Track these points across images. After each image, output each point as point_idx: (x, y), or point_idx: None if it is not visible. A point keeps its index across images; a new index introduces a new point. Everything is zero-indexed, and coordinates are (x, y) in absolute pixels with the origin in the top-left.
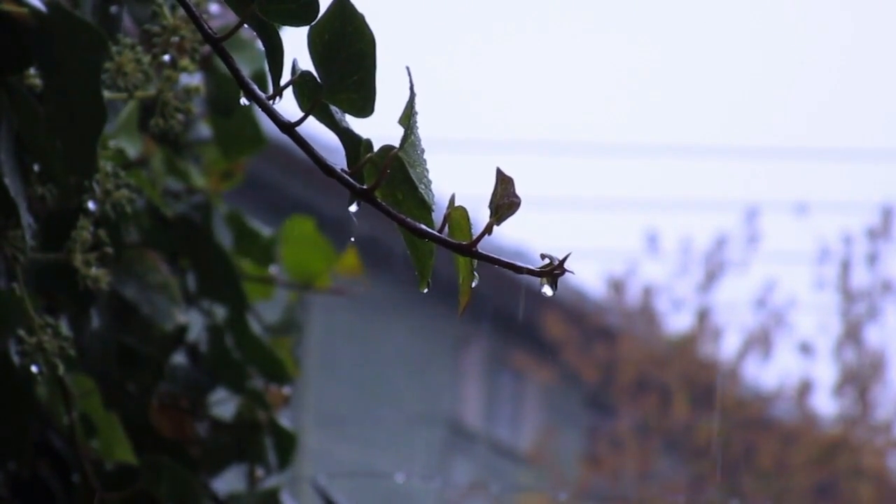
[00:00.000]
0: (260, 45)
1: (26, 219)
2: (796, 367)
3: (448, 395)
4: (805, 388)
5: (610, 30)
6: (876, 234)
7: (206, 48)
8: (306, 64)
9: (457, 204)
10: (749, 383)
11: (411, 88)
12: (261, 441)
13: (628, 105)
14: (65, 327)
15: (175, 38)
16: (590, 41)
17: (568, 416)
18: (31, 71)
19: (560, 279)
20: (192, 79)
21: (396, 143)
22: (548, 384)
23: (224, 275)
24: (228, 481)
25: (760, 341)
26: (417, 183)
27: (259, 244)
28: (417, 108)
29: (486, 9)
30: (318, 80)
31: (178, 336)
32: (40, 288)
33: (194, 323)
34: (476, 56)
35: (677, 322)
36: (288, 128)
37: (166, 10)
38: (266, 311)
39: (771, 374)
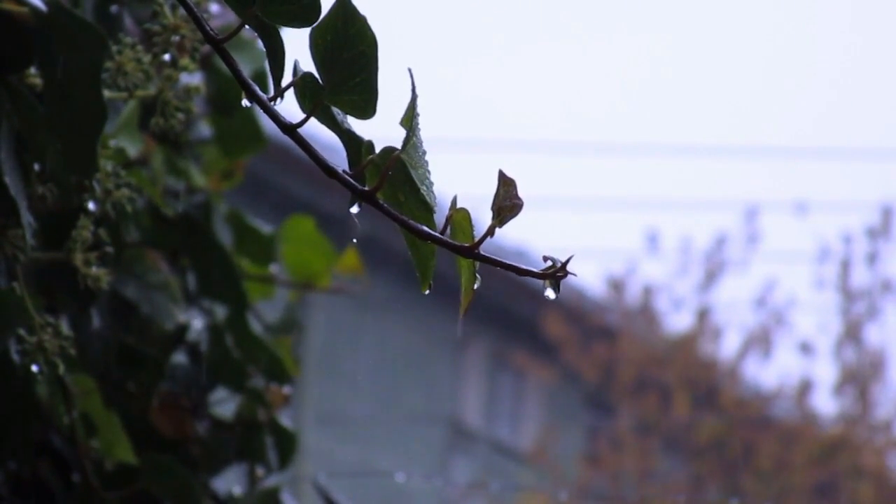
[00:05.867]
0: (261, 44)
1: (27, 218)
2: (796, 367)
3: (448, 394)
4: (805, 388)
5: (611, 31)
6: (876, 234)
7: (207, 47)
8: (308, 65)
9: (458, 205)
10: (749, 383)
11: (413, 90)
12: (261, 440)
13: (629, 105)
14: (65, 327)
15: (175, 38)
16: (590, 42)
17: (568, 416)
18: (32, 70)
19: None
20: (193, 78)
21: (398, 145)
22: (548, 384)
23: (224, 274)
24: (229, 481)
25: (760, 341)
26: (419, 184)
27: (259, 243)
28: (419, 109)
29: (487, 10)
30: (320, 81)
31: (179, 335)
32: (41, 287)
33: (195, 322)
34: (477, 57)
35: (677, 322)
36: (289, 129)
37: (167, 10)
38: (266, 311)
39: (771, 373)
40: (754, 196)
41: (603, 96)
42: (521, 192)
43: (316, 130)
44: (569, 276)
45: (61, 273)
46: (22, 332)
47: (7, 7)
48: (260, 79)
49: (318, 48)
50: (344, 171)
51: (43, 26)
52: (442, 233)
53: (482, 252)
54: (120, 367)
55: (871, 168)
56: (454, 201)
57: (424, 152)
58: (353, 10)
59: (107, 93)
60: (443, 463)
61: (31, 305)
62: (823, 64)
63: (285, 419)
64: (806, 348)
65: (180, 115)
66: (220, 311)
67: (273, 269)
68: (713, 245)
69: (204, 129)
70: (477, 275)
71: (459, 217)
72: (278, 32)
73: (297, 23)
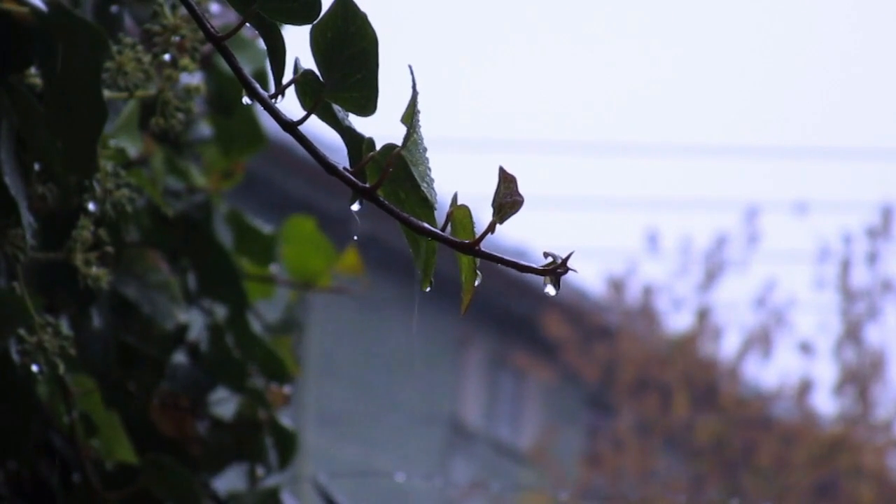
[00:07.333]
0: (261, 43)
1: (27, 218)
2: (796, 367)
3: (448, 394)
4: (805, 388)
5: (612, 31)
6: (876, 234)
7: (207, 47)
8: (308, 63)
9: (459, 202)
10: (749, 383)
11: (413, 87)
12: (261, 440)
13: (629, 105)
14: (65, 326)
15: (176, 38)
16: (591, 42)
17: (568, 416)
18: (32, 70)
19: (561, 278)
20: (193, 78)
21: (399, 142)
22: (548, 384)
23: (224, 274)
24: (229, 480)
25: (760, 341)
26: (420, 181)
27: (260, 243)
28: (420, 106)
29: (489, 9)
30: (321, 78)
31: (179, 335)
32: (41, 287)
33: (195, 322)
34: (478, 55)
35: (677, 322)
36: (290, 127)
37: (167, 10)
38: (266, 311)
39: (771, 373)
40: (754, 196)
41: (603, 96)
42: (521, 190)
43: (317, 129)
44: (569, 276)
45: (62, 273)
46: (22, 332)
47: (7, 7)
48: (261, 77)
49: (318, 46)
50: (345, 168)
51: (43, 26)
52: (442, 230)
53: (483, 249)
54: (120, 367)
55: (871, 168)
56: (455, 198)
57: (425, 149)
58: (354, 7)
59: (107, 93)
60: (443, 463)
61: (31, 305)
62: (824, 64)
63: (285, 419)
64: (806, 348)
65: (180, 115)
66: (221, 311)
67: (273, 269)
68: (713, 245)
69: (204, 129)
70: (478, 272)
71: (460, 214)
72: (279, 30)
73: (297, 20)
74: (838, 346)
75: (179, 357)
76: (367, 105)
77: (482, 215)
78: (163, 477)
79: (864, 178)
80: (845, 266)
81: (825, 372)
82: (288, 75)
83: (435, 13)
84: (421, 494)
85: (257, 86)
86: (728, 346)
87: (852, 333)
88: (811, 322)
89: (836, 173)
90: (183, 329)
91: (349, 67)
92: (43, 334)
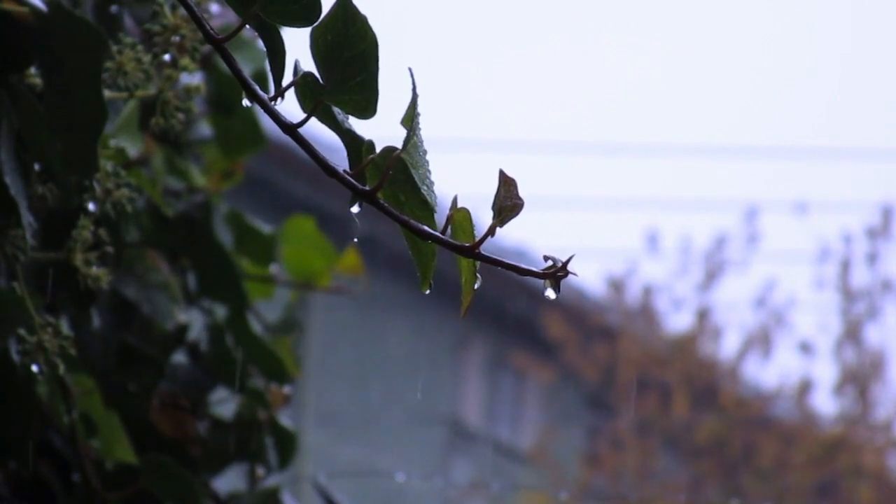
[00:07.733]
0: (261, 44)
1: (27, 218)
2: (796, 367)
3: (448, 394)
4: (805, 388)
5: (611, 30)
6: (876, 234)
7: (207, 47)
8: (308, 65)
9: (459, 205)
10: (749, 383)
11: (414, 89)
12: (261, 440)
13: (629, 105)
14: (65, 326)
15: (176, 38)
16: (591, 42)
17: (568, 416)
18: (32, 70)
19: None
20: (193, 78)
21: (399, 145)
22: (548, 384)
23: (224, 274)
24: (229, 480)
25: (760, 341)
26: (420, 184)
27: (259, 243)
28: (420, 109)
29: (489, 9)
30: (321, 80)
31: (179, 335)
32: (41, 287)
33: (195, 322)
34: (478, 57)
35: (677, 322)
36: (290, 129)
37: (167, 10)
38: (266, 311)
39: (771, 373)
40: (754, 196)
41: (603, 96)
42: (521, 192)
43: (317, 130)
44: (569, 276)
45: (62, 273)
46: (22, 331)
47: (7, 7)
48: (260, 78)
49: (318, 48)
50: (344, 170)
51: (43, 26)
52: (443, 232)
53: (483, 252)
54: (120, 367)
55: (871, 168)
56: (455, 201)
57: (425, 152)
58: (354, 9)
59: (107, 93)
60: (443, 463)
61: (31, 305)
62: (823, 64)
63: (285, 419)
64: (806, 348)
65: (180, 115)
66: (221, 311)
67: (273, 269)
68: (713, 245)
69: (204, 128)
70: (477, 274)
71: (460, 217)
72: (279, 32)
73: (297, 22)
74: (838, 346)
75: (179, 357)
76: (367, 107)
77: (482, 215)
78: (163, 477)
79: (864, 178)
80: (845, 266)
81: (825, 372)
82: (288, 77)
83: (434, 15)
84: (421, 494)
85: (257, 88)
86: (728, 346)
87: (852, 333)
88: (811, 322)
89: (836, 173)
90: (183, 329)
91: (349, 70)
92: (43, 334)
